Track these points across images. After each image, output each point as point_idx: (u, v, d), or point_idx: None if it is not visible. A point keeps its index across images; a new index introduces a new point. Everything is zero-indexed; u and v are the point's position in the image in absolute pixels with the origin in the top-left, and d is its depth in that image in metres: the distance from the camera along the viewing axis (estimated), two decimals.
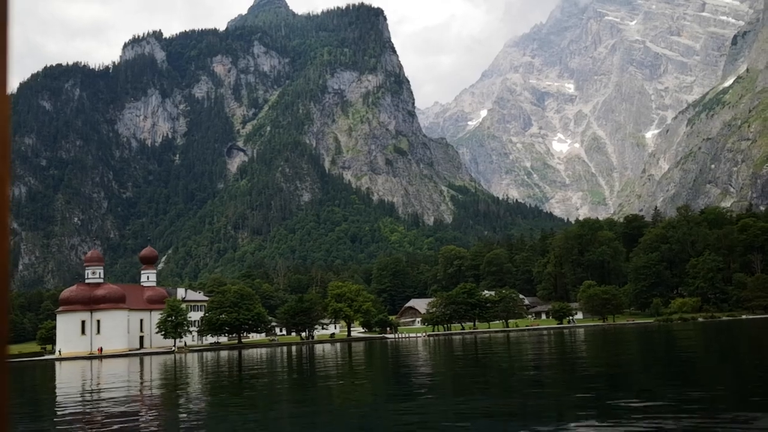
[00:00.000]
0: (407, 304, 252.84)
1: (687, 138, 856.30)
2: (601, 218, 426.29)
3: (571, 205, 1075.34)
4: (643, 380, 38.08)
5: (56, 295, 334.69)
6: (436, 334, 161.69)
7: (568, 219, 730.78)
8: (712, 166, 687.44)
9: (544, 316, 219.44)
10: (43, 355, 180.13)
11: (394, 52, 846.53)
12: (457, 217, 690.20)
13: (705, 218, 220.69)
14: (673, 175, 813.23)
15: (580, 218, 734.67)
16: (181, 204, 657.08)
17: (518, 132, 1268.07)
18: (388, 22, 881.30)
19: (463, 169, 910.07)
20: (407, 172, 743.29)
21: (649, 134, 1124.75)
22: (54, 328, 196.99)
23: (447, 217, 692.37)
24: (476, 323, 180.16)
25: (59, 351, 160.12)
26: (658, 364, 51.17)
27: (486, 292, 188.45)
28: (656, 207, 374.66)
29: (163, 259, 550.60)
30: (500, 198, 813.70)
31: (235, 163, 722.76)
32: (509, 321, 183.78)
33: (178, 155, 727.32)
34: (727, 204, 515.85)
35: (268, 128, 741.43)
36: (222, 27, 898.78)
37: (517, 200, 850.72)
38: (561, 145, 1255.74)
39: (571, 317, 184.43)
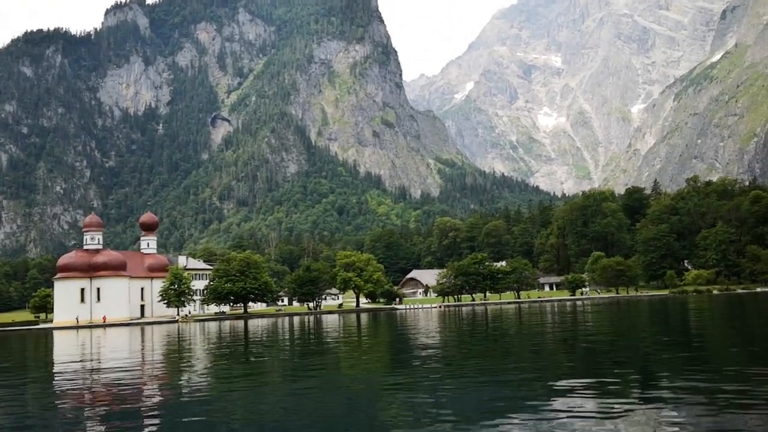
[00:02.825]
0: (409, 275, 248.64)
1: (674, 113, 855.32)
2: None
3: (555, 179, 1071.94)
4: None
5: (43, 263, 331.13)
6: (451, 305, 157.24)
7: (554, 193, 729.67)
8: (699, 141, 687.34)
9: (547, 288, 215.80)
10: (37, 324, 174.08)
11: (382, 21, 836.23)
12: (444, 190, 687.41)
13: (714, 190, 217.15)
14: (659, 150, 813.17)
15: (566, 192, 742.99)
16: (165, 174, 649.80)
17: (504, 105, 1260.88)
18: None
19: (449, 142, 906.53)
20: (394, 145, 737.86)
21: (635, 109, 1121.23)
22: (48, 296, 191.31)
23: (434, 190, 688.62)
24: (486, 294, 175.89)
25: (77, 318, 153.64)
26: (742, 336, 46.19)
27: (497, 263, 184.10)
28: (656, 180, 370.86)
29: None
30: (487, 172, 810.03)
31: (219, 133, 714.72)
32: (520, 292, 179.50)
33: (161, 125, 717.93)
34: (712, 179, 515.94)
35: (253, 98, 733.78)
36: None
37: (503, 174, 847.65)
38: (547, 119, 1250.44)
39: (584, 289, 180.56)
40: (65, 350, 66.76)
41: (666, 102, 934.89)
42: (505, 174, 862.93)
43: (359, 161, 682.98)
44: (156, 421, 20.45)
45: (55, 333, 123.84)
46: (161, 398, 25.32)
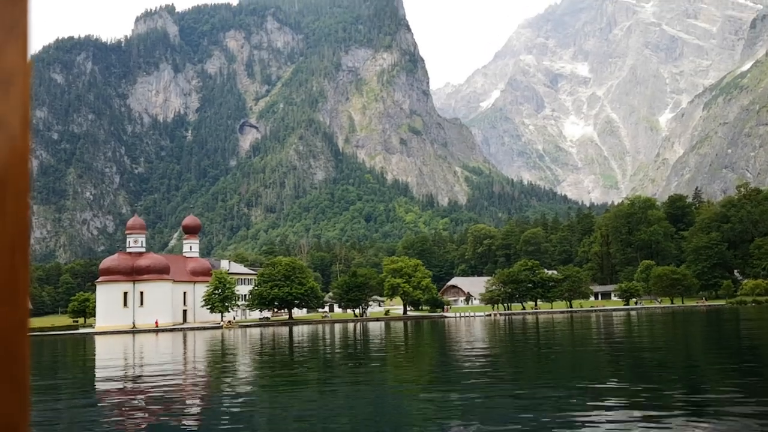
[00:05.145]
0: (450, 283, 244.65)
1: (703, 122, 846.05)
2: (613, 202, 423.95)
3: (582, 189, 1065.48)
4: None
5: (75, 268, 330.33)
6: (507, 313, 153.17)
7: (582, 202, 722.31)
8: (729, 150, 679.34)
9: (592, 298, 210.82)
10: (77, 328, 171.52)
11: (409, 30, 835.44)
12: (472, 198, 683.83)
13: (765, 197, 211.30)
14: (688, 160, 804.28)
15: (594, 201, 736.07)
16: (193, 180, 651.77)
17: (531, 114, 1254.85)
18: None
19: (476, 150, 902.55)
20: (421, 152, 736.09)
21: (663, 118, 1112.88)
22: (87, 300, 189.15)
23: (461, 198, 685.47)
24: (537, 303, 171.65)
25: (133, 323, 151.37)
26: None
27: (548, 271, 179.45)
28: (697, 187, 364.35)
29: (176, 235, 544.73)
30: (514, 180, 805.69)
31: (247, 140, 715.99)
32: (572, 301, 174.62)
33: (190, 131, 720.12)
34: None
35: (281, 105, 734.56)
36: (235, 2, 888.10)
37: (530, 182, 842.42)
38: (574, 128, 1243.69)
39: (638, 298, 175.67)
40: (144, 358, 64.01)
41: (695, 111, 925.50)
42: (532, 183, 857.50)
43: (386, 168, 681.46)
44: None
45: (104, 338, 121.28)
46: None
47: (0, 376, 1.66)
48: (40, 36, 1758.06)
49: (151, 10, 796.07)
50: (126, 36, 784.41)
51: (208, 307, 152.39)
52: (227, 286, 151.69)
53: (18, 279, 1.69)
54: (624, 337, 60.84)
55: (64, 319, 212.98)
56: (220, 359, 52.31)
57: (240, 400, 25.44)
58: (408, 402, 23.70)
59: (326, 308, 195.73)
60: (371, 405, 23.24)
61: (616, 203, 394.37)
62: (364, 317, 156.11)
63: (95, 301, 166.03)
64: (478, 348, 52.97)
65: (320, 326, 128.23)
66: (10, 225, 1.71)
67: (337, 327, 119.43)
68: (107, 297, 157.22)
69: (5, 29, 1.77)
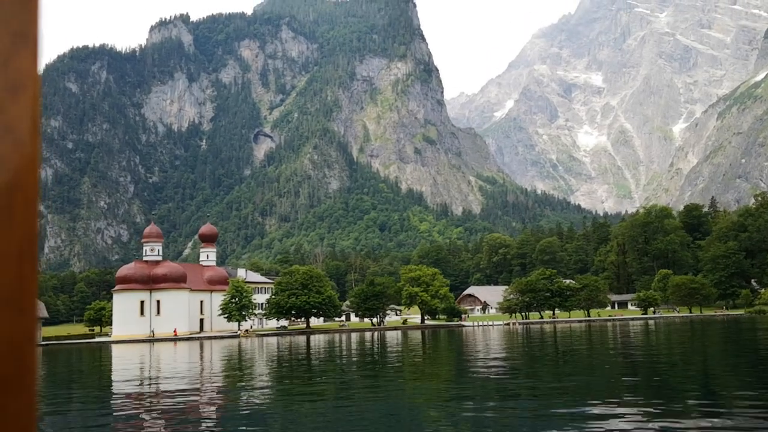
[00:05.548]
0: (466, 292, 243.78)
1: (717, 132, 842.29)
2: (627, 212, 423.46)
3: (596, 198, 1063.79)
4: None
5: (90, 277, 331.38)
6: (524, 322, 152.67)
7: (595, 211, 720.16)
8: (743, 160, 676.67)
9: (609, 307, 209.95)
10: (93, 337, 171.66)
11: (424, 39, 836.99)
12: (486, 207, 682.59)
13: None
14: (702, 170, 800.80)
15: (607, 211, 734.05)
16: (207, 190, 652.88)
17: (544, 124, 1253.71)
18: (417, 9, 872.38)
19: (490, 160, 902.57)
20: (435, 162, 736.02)
21: (677, 128, 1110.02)
22: (103, 308, 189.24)
23: (475, 208, 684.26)
24: (555, 312, 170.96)
25: (152, 331, 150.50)
26: None
27: (566, 280, 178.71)
28: (713, 197, 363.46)
29: (190, 244, 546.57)
30: (528, 189, 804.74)
31: (262, 149, 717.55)
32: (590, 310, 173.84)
33: (204, 140, 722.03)
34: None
35: (296, 115, 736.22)
36: (249, 11, 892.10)
37: (544, 192, 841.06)
38: (587, 138, 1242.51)
39: (656, 308, 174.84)
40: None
41: (709, 121, 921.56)
42: (546, 192, 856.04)
43: (401, 178, 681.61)
44: None
45: (121, 347, 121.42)
46: None
47: (8, 382, 1.69)
48: (54, 45, 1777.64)
49: (165, 19, 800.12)
50: (141, 45, 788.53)
51: (226, 315, 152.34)
52: (244, 294, 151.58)
53: (26, 286, 1.72)
54: (645, 347, 60.54)
55: (79, 328, 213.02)
56: (239, 369, 52.30)
57: (256, 411, 25.45)
58: (424, 416, 23.48)
59: (343, 317, 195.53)
60: (388, 418, 23.08)
61: (629, 213, 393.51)
62: (382, 326, 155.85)
63: (111, 310, 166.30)
64: (499, 358, 52.75)
65: (338, 335, 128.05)
66: (19, 232, 1.75)
67: (355, 336, 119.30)
68: (124, 306, 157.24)
69: (15, 36, 1.81)
